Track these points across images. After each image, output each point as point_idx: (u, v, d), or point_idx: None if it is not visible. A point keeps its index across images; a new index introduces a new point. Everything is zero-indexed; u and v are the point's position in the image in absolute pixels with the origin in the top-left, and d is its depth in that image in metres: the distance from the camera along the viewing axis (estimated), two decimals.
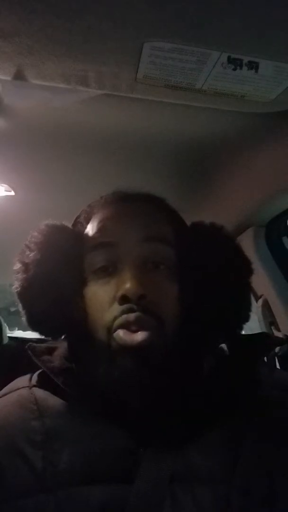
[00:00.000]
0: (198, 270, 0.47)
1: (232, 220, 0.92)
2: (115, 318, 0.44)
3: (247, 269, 0.51)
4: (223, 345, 0.54)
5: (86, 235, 0.51)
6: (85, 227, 0.52)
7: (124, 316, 0.44)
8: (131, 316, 0.43)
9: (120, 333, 0.44)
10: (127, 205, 0.52)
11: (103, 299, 0.46)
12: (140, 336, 0.43)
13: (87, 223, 0.52)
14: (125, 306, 0.44)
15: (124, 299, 0.44)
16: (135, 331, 0.43)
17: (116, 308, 0.45)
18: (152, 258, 0.47)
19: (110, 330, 0.45)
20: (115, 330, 0.44)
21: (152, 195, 0.55)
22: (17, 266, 0.50)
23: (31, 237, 0.51)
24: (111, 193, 0.56)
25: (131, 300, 0.44)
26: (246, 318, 0.50)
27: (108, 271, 0.47)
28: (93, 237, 0.50)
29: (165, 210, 0.54)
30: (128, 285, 0.44)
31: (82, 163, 0.82)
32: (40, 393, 0.50)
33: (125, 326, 0.44)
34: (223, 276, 0.48)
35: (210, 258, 0.48)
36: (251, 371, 0.50)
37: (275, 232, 0.94)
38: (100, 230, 0.50)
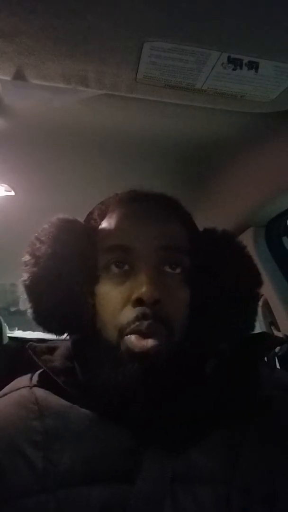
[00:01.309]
0: (210, 277, 0.48)
1: (232, 220, 0.92)
2: (129, 322, 0.44)
3: (258, 281, 0.51)
4: (223, 345, 0.54)
5: (101, 233, 0.51)
6: (99, 224, 0.52)
7: (138, 323, 0.44)
8: (144, 324, 0.43)
9: (132, 338, 0.44)
10: (143, 206, 0.51)
11: (116, 300, 0.46)
12: (150, 343, 0.43)
13: (101, 220, 0.52)
14: (139, 309, 0.44)
15: (139, 302, 0.44)
16: (146, 337, 0.43)
17: (130, 310, 0.45)
18: (168, 264, 0.48)
19: (122, 333, 0.45)
20: (127, 334, 0.44)
21: (167, 196, 0.55)
22: (27, 258, 0.49)
23: (42, 229, 0.50)
24: (126, 191, 0.55)
25: (146, 304, 0.44)
26: (253, 328, 0.50)
27: (124, 270, 0.47)
28: (109, 237, 0.49)
29: (180, 213, 0.54)
30: (144, 289, 0.43)
31: (82, 163, 0.82)
32: (40, 393, 0.50)
33: (138, 332, 0.44)
34: (235, 285, 0.48)
35: (223, 267, 0.49)
36: (252, 371, 0.50)
37: (275, 232, 0.94)
38: (115, 231, 0.49)
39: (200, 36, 0.42)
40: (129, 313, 0.45)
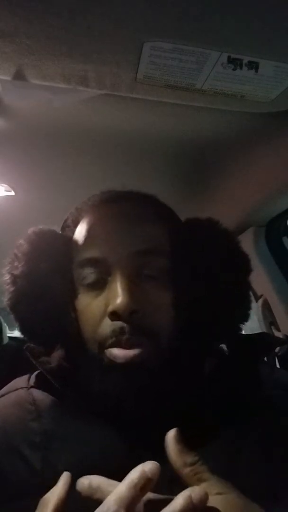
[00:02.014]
0: (193, 273, 0.46)
1: (232, 220, 0.92)
2: (106, 337, 0.43)
3: (246, 267, 0.49)
4: (223, 345, 0.54)
5: (75, 244, 0.49)
6: (74, 232, 0.50)
7: (115, 339, 0.42)
8: (122, 339, 0.42)
9: (113, 350, 0.43)
10: (115, 207, 0.49)
11: (94, 313, 0.45)
12: (132, 352, 0.42)
13: (75, 227, 0.50)
14: (115, 324, 0.43)
15: (114, 315, 0.42)
16: (129, 348, 0.42)
17: (107, 324, 0.43)
18: (145, 270, 0.45)
19: (103, 346, 0.44)
20: (108, 348, 0.43)
21: (142, 193, 0.53)
22: (6, 277, 0.48)
23: (19, 245, 0.49)
24: (98, 193, 0.54)
25: (122, 317, 0.42)
26: (246, 318, 0.48)
27: (100, 282, 0.45)
28: (81, 249, 0.47)
29: (157, 209, 0.51)
30: (118, 300, 0.42)
31: (82, 163, 0.82)
32: (38, 394, 0.50)
33: (118, 345, 0.43)
34: (221, 276, 0.46)
35: (206, 257, 0.46)
36: (252, 371, 0.50)
37: (275, 232, 0.94)
38: (87, 242, 0.47)
39: (200, 36, 0.42)
40: (106, 327, 0.43)
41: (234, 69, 0.46)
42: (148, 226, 0.48)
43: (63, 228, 0.53)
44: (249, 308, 0.49)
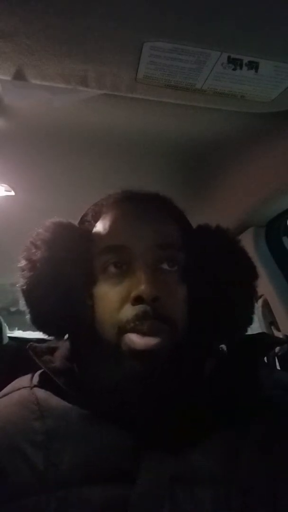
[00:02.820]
0: (205, 273, 0.48)
1: (232, 220, 0.92)
2: (128, 320, 0.44)
3: (253, 273, 0.51)
4: (223, 346, 0.54)
5: (96, 234, 0.50)
6: (94, 226, 0.52)
7: (138, 322, 0.43)
8: (145, 324, 0.43)
9: (133, 337, 0.44)
10: (137, 205, 0.51)
11: (115, 299, 0.46)
12: (153, 340, 0.43)
13: (96, 221, 0.52)
14: (139, 307, 0.44)
15: (138, 300, 0.44)
16: (149, 335, 0.43)
17: (129, 308, 0.44)
18: (164, 262, 0.48)
19: (121, 331, 0.44)
20: (127, 332, 0.44)
21: (161, 196, 0.55)
22: (23, 263, 0.49)
23: (37, 234, 0.50)
24: (120, 191, 0.55)
25: (145, 301, 0.43)
26: (250, 321, 0.50)
27: (121, 269, 0.47)
28: (104, 238, 0.49)
29: (174, 212, 0.54)
30: (143, 286, 0.43)
31: (82, 163, 0.82)
32: (41, 393, 0.50)
33: (138, 331, 0.44)
34: (230, 279, 0.48)
35: (217, 261, 0.49)
36: (252, 371, 0.50)
37: (275, 232, 0.94)
38: (111, 232, 0.49)
39: (200, 36, 0.42)
40: (128, 311, 0.44)
41: (234, 69, 0.46)
42: (166, 224, 0.51)
43: (82, 222, 0.55)
44: (252, 311, 0.51)
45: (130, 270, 0.46)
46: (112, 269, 0.47)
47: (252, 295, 0.51)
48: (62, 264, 0.47)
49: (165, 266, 0.48)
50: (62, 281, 0.47)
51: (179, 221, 0.53)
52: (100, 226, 0.51)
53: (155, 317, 0.44)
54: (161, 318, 0.44)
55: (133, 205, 0.52)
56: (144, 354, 0.43)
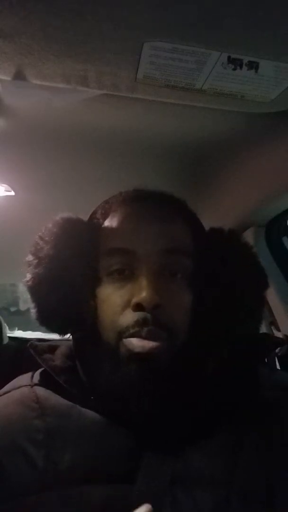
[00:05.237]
0: (214, 280, 0.47)
1: (232, 220, 0.92)
2: (128, 326, 0.44)
3: (265, 282, 0.50)
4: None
5: (103, 233, 0.50)
6: (102, 223, 0.51)
7: (137, 329, 0.43)
8: (144, 330, 0.43)
9: (133, 340, 0.43)
10: (147, 206, 0.50)
11: (117, 303, 0.46)
12: (151, 344, 0.43)
13: (104, 220, 0.51)
14: (139, 314, 0.44)
15: (138, 307, 0.43)
16: (147, 339, 0.43)
17: (130, 314, 0.44)
18: (170, 268, 0.47)
19: (121, 336, 0.44)
20: (127, 337, 0.44)
21: (172, 196, 0.54)
22: (30, 258, 0.48)
23: (45, 229, 0.50)
24: (131, 190, 0.55)
25: (146, 309, 0.43)
26: (257, 330, 0.50)
27: (124, 274, 0.46)
28: (111, 239, 0.49)
29: (185, 213, 0.53)
30: (144, 293, 0.43)
31: (82, 163, 0.82)
32: (41, 391, 0.50)
33: (137, 336, 0.43)
34: (240, 288, 0.47)
35: (228, 269, 0.48)
36: (252, 372, 0.50)
37: (275, 232, 0.94)
38: (118, 233, 0.49)
39: (200, 36, 0.42)
40: (129, 317, 0.44)
41: (234, 69, 0.46)
42: (177, 227, 0.49)
43: (91, 219, 0.54)
44: (260, 322, 0.50)
45: (134, 274, 0.46)
46: (115, 272, 0.47)
47: (260, 306, 0.50)
48: (68, 262, 0.47)
49: (171, 272, 0.47)
50: (67, 279, 0.47)
51: (190, 223, 0.51)
52: (107, 225, 0.50)
53: (155, 324, 0.43)
54: (160, 326, 0.44)
55: (142, 205, 0.51)
56: (143, 356, 0.43)
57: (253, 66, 0.46)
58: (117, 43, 0.43)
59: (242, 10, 0.39)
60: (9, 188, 0.90)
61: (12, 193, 0.92)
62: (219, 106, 0.55)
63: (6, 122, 0.66)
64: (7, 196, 0.93)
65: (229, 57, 0.45)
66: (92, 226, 0.52)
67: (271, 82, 0.49)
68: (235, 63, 0.45)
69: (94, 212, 0.54)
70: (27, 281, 0.48)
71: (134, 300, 0.44)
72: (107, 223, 0.51)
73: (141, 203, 0.51)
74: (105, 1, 0.38)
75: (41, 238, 0.49)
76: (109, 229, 0.50)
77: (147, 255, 0.46)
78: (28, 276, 0.48)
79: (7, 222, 1.06)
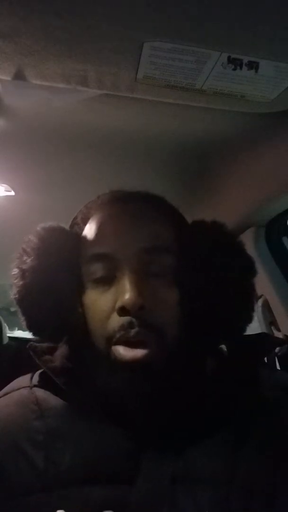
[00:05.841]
0: (199, 273, 0.46)
1: (232, 220, 0.92)
2: (115, 331, 0.44)
3: (251, 270, 0.49)
4: (223, 346, 0.54)
5: (84, 240, 0.50)
6: (82, 229, 0.51)
7: (123, 332, 0.43)
8: (131, 332, 0.43)
9: (120, 349, 0.43)
10: (125, 206, 0.50)
11: (102, 308, 0.45)
12: (140, 352, 0.42)
13: (84, 225, 0.51)
14: (124, 319, 0.43)
15: (123, 311, 0.43)
16: (135, 347, 0.43)
17: (116, 319, 0.44)
18: (152, 267, 0.46)
19: (110, 342, 0.44)
20: (115, 344, 0.44)
21: (151, 194, 0.54)
22: (15, 271, 0.49)
23: (28, 241, 0.49)
24: (108, 192, 0.54)
25: (131, 312, 0.43)
26: (250, 320, 0.49)
27: (107, 278, 0.46)
28: (91, 245, 0.48)
29: (165, 210, 0.53)
30: (127, 296, 0.42)
31: (82, 163, 0.82)
32: (41, 393, 0.50)
33: (125, 342, 0.43)
34: (226, 278, 0.46)
35: (212, 259, 0.47)
36: (252, 372, 0.50)
37: (275, 232, 0.94)
38: (97, 238, 0.48)
39: (200, 36, 0.42)
40: (115, 322, 0.44)
41: (234, 69, 0.46)
42: (156, 225, 0.49)
43: (72, 225, 0.54)
44: (252, 309, 0.49)
45: (117, 278, 0.45)
46: (98, 278, 0.47)
47: (251, 293, 0.49)
48: (51, 272, 0.47)
49: (154, 270, 0.46)
50: (52, 289, 0.47)
51: (171, 219, 0.51)
52: (87, 231, 0.50)
53: (141, 326, 0.43)
54: (147, 326, 0.43)
55: (120, 207, 0.51)
56: (133, 366, 0.42)
57: (253, 66, 0.46)
58: (117, 43, 0.43)
59: (242, 10, 0.39)
60: (9, 188, 0.90)
61: (12, 193, 0.92)
62: (219, 106, 0.55)
63: (6, 122, 0.66)
64: (7, 196, 0.93)
65: (229, 57, 0.45)
66: (73, 233, 0.52)
67: (271, 82, 0.49)
68: (235, 63, 0.45)
69: (75, 218, 0.54)
70: (14, 295, 0.48)
71: (118, 304, 0.43)
72: (86, 229, 0.50)
73: (118, 204, 0.51)
74: (105, 1, 0.38)
75: (24, 250, 0.49)
76: (89, 235, 0.49)
77: (127, 257, 0.45)
78: (14, 289, 0.48)
79: (7, 222, 1.06)
